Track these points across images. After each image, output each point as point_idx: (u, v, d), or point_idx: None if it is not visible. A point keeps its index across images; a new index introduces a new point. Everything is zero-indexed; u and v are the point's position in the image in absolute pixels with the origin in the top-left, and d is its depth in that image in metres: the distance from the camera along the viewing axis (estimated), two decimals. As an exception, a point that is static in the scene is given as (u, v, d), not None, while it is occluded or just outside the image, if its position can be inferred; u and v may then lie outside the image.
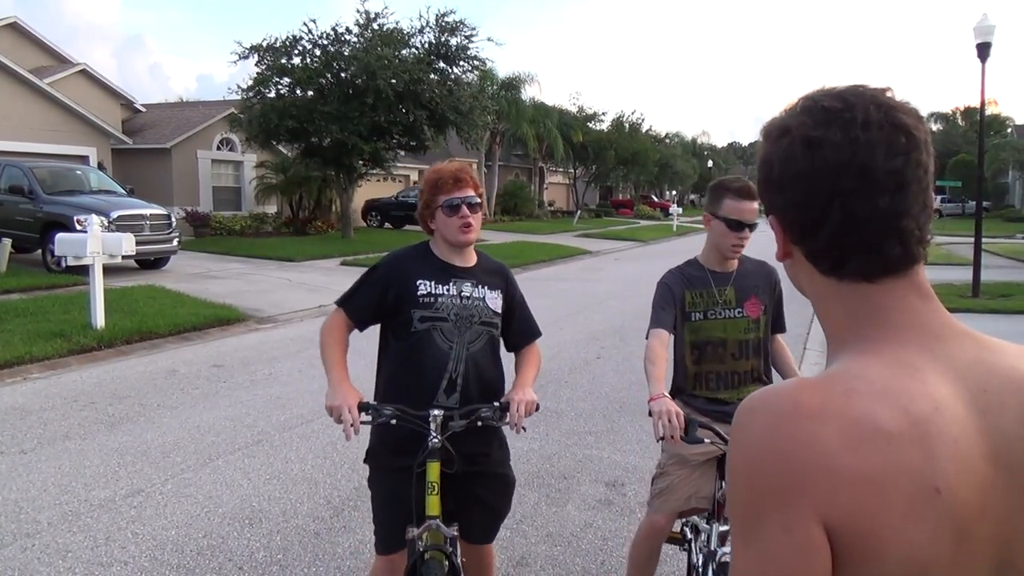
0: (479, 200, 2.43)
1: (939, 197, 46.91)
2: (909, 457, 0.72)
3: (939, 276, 14.47)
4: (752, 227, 2.64)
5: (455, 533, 2.35)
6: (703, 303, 2.68)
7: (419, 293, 2.37)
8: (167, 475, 4.59)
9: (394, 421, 2.26)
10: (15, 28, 21.80)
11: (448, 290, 2.39)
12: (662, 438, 2.32)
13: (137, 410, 5.96)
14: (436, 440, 2.25)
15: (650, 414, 2.32)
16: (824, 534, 0.72)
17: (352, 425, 2.18)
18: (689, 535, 2.88)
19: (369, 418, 2.27)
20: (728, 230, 2.61)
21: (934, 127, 60.44)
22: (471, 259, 2.49)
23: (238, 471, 4.66)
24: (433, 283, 2.39)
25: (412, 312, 2.37)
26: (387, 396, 2.41)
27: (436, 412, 2.27)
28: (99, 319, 8.60)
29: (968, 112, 57.56)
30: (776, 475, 0.73)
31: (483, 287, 2.45)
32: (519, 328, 2.59)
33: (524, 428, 2.33)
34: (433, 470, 2.25)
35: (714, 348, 2.69)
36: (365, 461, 2.50)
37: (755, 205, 2.59)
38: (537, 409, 2.37)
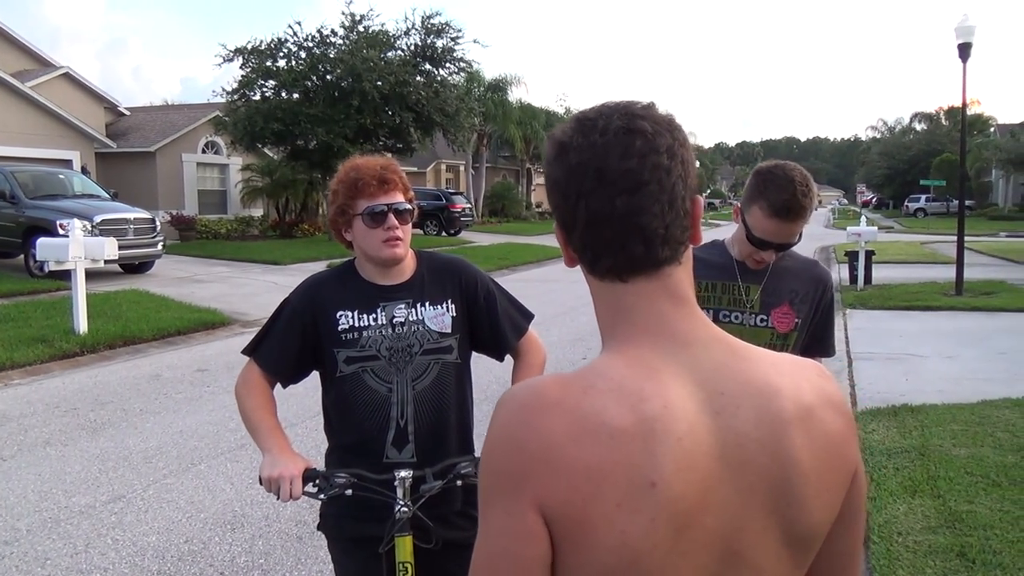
0: (410, 207, 1.94)
1: (924, 196, 47.33)
2: (629, 452, 0.76)
3: (923, 274, 14.59)
4: (784, 247, 2.04)
5: None
6: (716, 299, 2.12)
7: (340, 328, 1.92)
8: (149, 480, 4.55)
9: (350, 492, 1.82)
10: (-4, 31, 21.60)
11: (375, 320, 1.93)
12: None
13: (120, 415, 5.91)
14: (405, 509, 1.80)
15: None
16: (541, 521, 0.76)
17: (295, 498, 1.80)
18: None
19: (317, 490, 1.83)
20: (748, 242, 2.05)
21: (918, 127, 60.95)
22: (405, 272, 1.99)
23: (221, 476, 4.63)
24: (356, 313, 1.93)
25: (336, 352, 1.92)
26: (332, 460, 2.02)
27: (404, 473, 1.82)
28: (82, 324, 8.53)
29: (952, 112, 58.03)
30: (505, 462, 0.78)
31: (423, 305, 1.96)
32: (497, 327, 2.05)
33: None
34: (404, 547, 1.80)
35: None
36: (319, 529, 2.06)
37: (797, 225, 1.99)
38: None
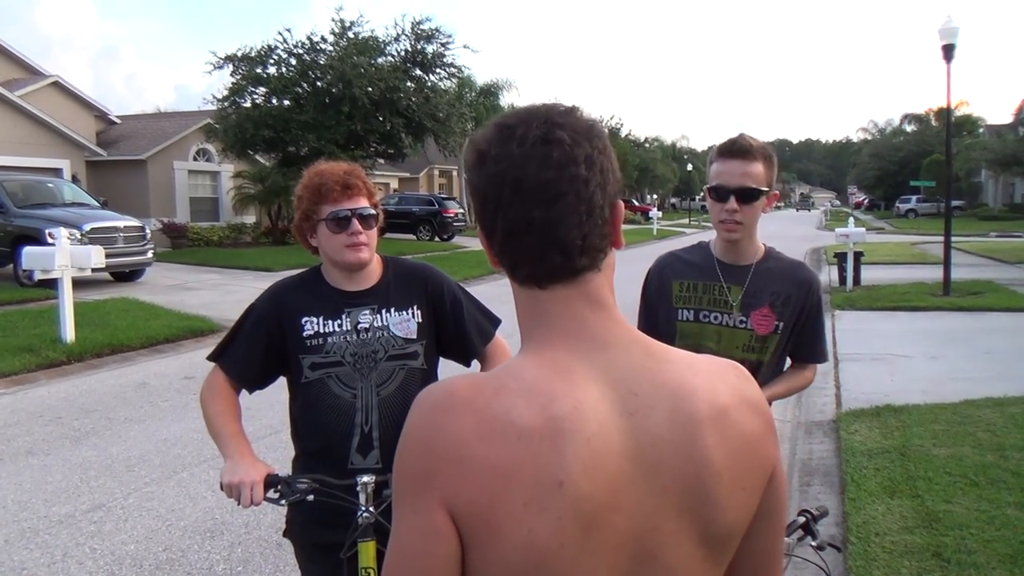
0: (374, 212, 1.95)
1: (914, 197, 47.52)
2: (537, 452, 0.77)
3: (912, 275, 14.65)
4: (746, 196, 1.97)
5: None
6: (696, 299, 2.09)
7: (305, 334, 1.93)
8: (130, 489, 4.55)
9: (311, 497, 1.81)
10: (-15, 41, 21.58)
11: (340, 326, 1.94)
12: None
13: (104, 424, 5.90)
14: (368, 514, 1.80)
15: None
16: (448, 519, 0.77)
17: (255, 503, 1.80)
18: None
19: (278, 495, 1.82)
20: (711, 200, 2.03)
21: (908, 128, 61.23)
22: (370, 278, 2.00)
23: (202, 483, 4.62)
24: (321, 319, 1.94)
25: (301, 358, 1.93)
26: (298, 466, 2.03)
27: (366, 479, 1.82)
28: (68, 333, 8.50)
29: (942, 113, 58.30)
30: (415, 461, 0.80)
31: (388, 311, 1.97)
32: (463, 333, 2.05)
33: None
34: (367, 552, 1.79)
35: None
36: (285, 535, 2.06)
37: (749, 166, 1.96)
38: None
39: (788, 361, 2.20)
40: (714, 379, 0.87)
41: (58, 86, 22.53)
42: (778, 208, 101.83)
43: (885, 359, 7.83)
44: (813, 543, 1.83)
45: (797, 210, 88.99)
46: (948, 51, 11.92)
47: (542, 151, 0.81)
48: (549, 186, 0.81)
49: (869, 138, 72.65)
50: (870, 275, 13.93)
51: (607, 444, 0.79)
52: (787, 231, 33.76)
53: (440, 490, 0.77)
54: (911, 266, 17.22)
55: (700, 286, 2.09)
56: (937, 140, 50.28)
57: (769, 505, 0.89)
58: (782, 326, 2.06)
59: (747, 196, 1.97)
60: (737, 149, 1.96)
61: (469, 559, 0.78)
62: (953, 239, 12.78)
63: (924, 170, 43.97)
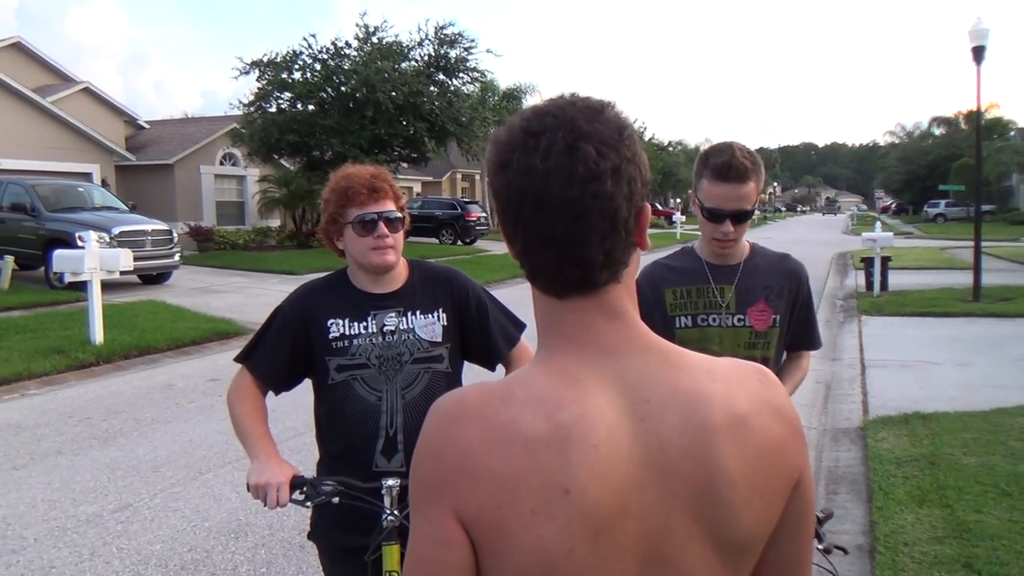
0: (400, 215, 1.97)
1: (943, 201, 46.80)
2: (543, 460, 0.77)
3: (941, 280, 14.41)
4: (740, 217, 1.99)
5: None
6: (692, 304, 2.10)
7: (331, 336, 1.94)
8: (156, 489, 4.60)
9: (336, 499, 1.82)
10: (18, 48, 22.05)
11: (365, 328, 1.95)
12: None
13: (131, 425, 5.98)
14: (392, 518, 1.80)
15: None
16: (459, 527, 0.79)
17: (281, 505, 1.80)
18: None
19: (303, 497, 1.83)
20: (704, 220, 2.04)
21: (937, 131, 60.28)
22: (396, 281, 2.00)
23: (227, 485, 4.67)
24: (347, 321, 1.95)
25: (327, 360, 1.94)
26: (323, 469, 2.03)
27: (391, 482, 1.82)
28: (97, 335, 8.64)
29: (971, 116, 57.32)
30: (426, 471, 0.82)
31: (413, 314, 1.98)
32: (488, 337, 2.06)
33: None
34: (391, 556, 1.78)
35: None
36: (309, 538, 2.07)
37: (744, 188, 1.95)
38: None
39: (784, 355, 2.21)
40: (733, 385, 0.85)
41: (88, 92, 22.97)
42: (803, 212, 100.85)
43: (913, 366, 7.71)
44: (819, 546, 1.82)
45: (823, 214, 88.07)
46: (978, 53, 11.73)
47: (567, 165, 0.78)
48: (572, 204, 0.79)
49: (897, 141, 71.51)
50: (898, 280, 13.72)
51: (615, 450, 0.79)
52: (812, 235, 33.41)
53: (450, 499, 0.79)
54: (940, 271, 16.93)
55: (694, 291, 2.11)
56: (966, 143, 49.46)
57: (795, 512, 0.88)
58: (779, 319, 2.09)
59: (743, 218, 2.00)
60: (733, 174, 1.94)
61: (483, 565, 0.79)
62: (983, 244, 12.56)
63: (953, 174, 43.27)
